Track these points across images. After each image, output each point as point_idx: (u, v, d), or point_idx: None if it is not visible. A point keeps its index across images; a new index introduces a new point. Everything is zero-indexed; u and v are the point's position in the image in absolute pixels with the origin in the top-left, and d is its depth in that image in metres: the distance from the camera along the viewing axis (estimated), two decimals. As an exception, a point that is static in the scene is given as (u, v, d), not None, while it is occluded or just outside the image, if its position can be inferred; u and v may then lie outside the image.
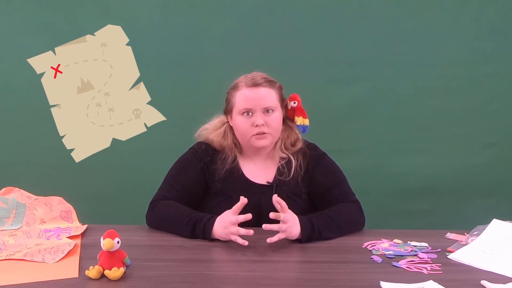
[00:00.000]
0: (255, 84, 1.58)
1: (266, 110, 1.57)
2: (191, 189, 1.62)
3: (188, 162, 1.65)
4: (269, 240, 1.38)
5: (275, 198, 1.42)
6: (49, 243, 1.39)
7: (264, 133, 1.56)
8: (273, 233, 1.40)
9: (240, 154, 1.67)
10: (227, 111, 1.65)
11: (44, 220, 1.56)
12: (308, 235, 1.44)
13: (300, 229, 1.43)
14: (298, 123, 1.64)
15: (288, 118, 1.68)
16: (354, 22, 2.28)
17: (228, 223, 1.42)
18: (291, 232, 1.42)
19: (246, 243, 1.38)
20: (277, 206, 1.42)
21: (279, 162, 1.64)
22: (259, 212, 1.53)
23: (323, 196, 1.63)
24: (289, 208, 1.46)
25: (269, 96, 1.58)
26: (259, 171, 1.65)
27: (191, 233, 1.47)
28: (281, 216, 1.41)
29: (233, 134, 1.65)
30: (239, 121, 1.59)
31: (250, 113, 1.57)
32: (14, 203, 1.57)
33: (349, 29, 2.28)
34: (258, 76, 1.60)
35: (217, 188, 1.62)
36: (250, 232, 1.40)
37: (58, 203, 1.63)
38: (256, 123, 1.55)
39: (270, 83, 1.60)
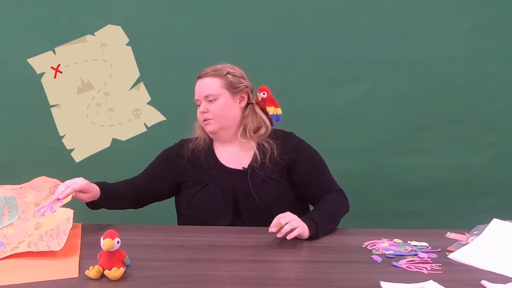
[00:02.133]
0: (199, 76, 1.72)
1: (209, 99, 1.67)
2: (158, 179, 1.75)
3: (165, 156, 1.79)
4: (289, 236, 1.40)
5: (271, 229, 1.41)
6: (47, 221, 1.38)
7: (207, 119, 1.67)
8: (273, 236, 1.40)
9: (213, 141, 1.75)
10: None
11: (38, 202, 1.56)
12: (315, 231, 1.46)
13: (307, 226, 1.45)
14: (271, 113, 1.73)
15: (257, 106, 1.74)
16: (354, 22, 2.28)
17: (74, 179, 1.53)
18: (304, 227, 1.44)
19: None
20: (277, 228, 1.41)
21: (255, 149, 1.67)
22: (235, 197, 1.63)
23: (308, 186, 1.68)
24: (266, 192, 1.60)
25: (210, 85, 1.68)
26: (234, 158, 1.70)
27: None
28: (279, 219, 1.42)
29: None
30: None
31: (199, 103, 1.70)
32: (3, 200, 1.57)
33: (349, 29, 2.28)
34: (208, 68, 1.72)
35: (195, 179, 1.69)
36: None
37: (43, 182, 1.62)
38: (199, 111, 1.70)
39: (214, 72, 1.70)
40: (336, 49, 2.28)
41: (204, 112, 1.67)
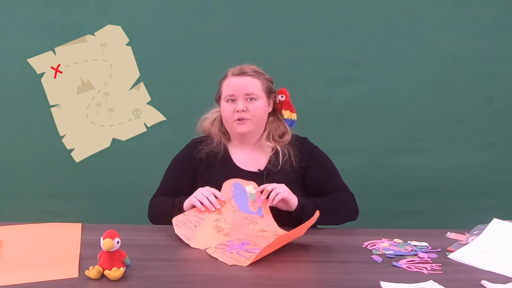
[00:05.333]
0: (240, 73, 1.67)
1: (249, 98, 1.64)
2: (184, 188, 1.66)
3: (181, 162, 1.73)
4: (274, 201, 1.49)
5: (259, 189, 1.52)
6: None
7: (244, 119, 1.63)
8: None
9: (229, 142, 1.73)
10: (217, 100, 1.73)
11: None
12: (303, 204, 1.52)
13: (296, 196, 1.52)
14: (286, 117, 1.72)
15: (277, 111, 1.74)
16: (354, 22, 2.28)
17: (201, 189, 1.53)
18: (289, 193, 1.51)
19: (202, 209, 1.50)
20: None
21: (271, 152, 1.68)
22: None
23: (318, 190, 1.68)
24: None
25: (252, 84, 1.65)
26: (250, 160, 1.69)
27: (171, 211, 1.55)
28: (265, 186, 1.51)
29: (223, 123, 1.73)
30: (223, 107, 1.67)
31: (234, 100, 1.64)
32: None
33: (349, 29, 2.28)
34: (246, 67, 1.68)
35: (208, 177, 1.66)
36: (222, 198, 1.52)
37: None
38: (237, 109, 1.62)
39: (255, 73, 1.67)
40: (337, 49, 2.28)
41: (243, 110, 1.62)
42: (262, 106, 1.66)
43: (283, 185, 1.53)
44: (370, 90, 2.31)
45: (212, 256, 1.32)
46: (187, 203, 1.56)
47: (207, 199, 1.51)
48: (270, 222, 1.50)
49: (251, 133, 1.68)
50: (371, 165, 2.34)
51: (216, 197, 1.52)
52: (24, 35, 2.26)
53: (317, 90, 2.29)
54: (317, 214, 1.38)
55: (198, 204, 1.50)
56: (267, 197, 1.51)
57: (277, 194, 1.49)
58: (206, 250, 1.37)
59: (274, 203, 1.49)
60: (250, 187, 1.57)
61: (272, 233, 1.45)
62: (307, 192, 1.68)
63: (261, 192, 1.52)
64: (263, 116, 1.68)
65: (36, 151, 2.31)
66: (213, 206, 1.50)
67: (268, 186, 1.50)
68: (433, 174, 2.35)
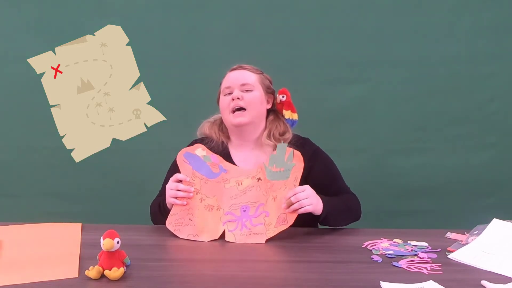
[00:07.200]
0: (238, 68, 1.70)
1: (245, 89, 1.65)
2: None
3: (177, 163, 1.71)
4: (300, 210, 1.45)
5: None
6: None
7: (240, 108, 1.63)
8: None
9: (229, 141, 1.72)
10: (218, 100, 1.73)
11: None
12: (328, 211, 1.50)
13: (322, 202, 1.49)
14: (287, 117, 1.72)
15: (278, 112, 1.74)
16: (354, 22, 2.28)
17: (166, 188, 1.54)
18: (317, 204, 1.48)
19: (184, 202, 1.51)
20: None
21: (271, 152, 1.66)
22: None
23: (320, 191, 1.65)
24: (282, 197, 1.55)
25: (248, 76, 1.68)
26: (250, 159, 1.68)
27: (161, 215, 1.57)
28: (291, 193, 1.47)
29: (222, 123, 1.73)
30: (221, 102, 1.69)
31: (230, 93, 1.65)
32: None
33: (349, 29, 2.28)
34: (244, 64, 1.71)
35: None
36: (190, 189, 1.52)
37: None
38: (232, 97, 1.63)
39: (252, 68, 1.70)
40: (337, 49, 2.28)
41: (238, 98, 1.62)
42: (258, 97, 1.66)
43: (308, 192, 1.48)
44: (370, 90, 2.31)
45: (241, 243, 1.41)
46: (168, 205, 1.56)
47: (178, 190, 1.52)
48: (237, 171, 1.57)
49: (250, 127, 1.66)
50: (371, 165, 2.34)
51: (181, 181, 1.54)
52: (24, 35, 2.27)
53: (317, 90, 2.29)
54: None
55: (177, 202, 1.52)
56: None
57: (301, 207, 1.45)
58: (226, 239, 1.43)
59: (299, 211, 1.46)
60: (199, 150, 1.61)
61: (249, 178, 1.54)
62: None
63: (288, 205, 1.47)
64: (260, 108, 1.67)
65: (36, 151, 2.32)
66: (188, 192, 1.51)
67: (293, 198, 1.45)
68: (433, 174, 2.35)
